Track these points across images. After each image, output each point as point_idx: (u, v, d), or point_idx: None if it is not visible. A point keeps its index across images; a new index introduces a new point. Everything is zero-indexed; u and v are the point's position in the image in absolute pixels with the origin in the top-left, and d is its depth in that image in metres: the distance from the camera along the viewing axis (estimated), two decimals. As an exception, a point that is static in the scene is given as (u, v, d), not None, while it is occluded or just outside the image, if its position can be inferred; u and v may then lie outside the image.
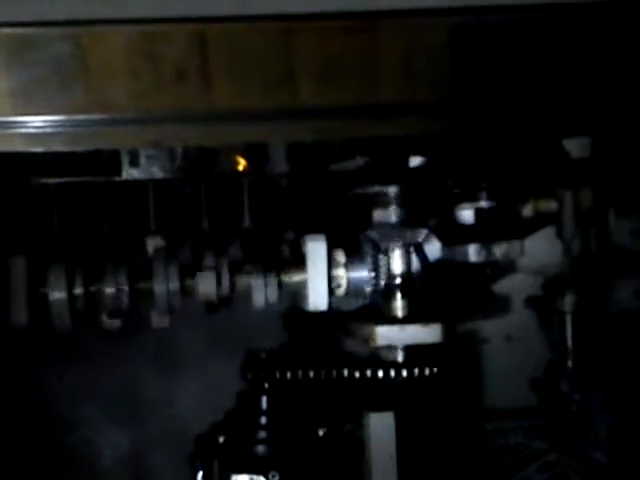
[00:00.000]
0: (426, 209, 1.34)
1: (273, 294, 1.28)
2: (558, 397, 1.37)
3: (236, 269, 1.28)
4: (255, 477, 1.22)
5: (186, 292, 1.27)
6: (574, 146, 1.29)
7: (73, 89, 1.05)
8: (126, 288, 1.26)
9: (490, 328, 1.49)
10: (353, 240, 1.32)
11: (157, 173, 1.24)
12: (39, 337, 1.31)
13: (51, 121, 1.06)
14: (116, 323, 1.27)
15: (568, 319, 1.37)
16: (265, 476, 1.23)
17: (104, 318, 1.28)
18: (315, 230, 1.29)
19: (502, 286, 1.47)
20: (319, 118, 1.07)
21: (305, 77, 1.05)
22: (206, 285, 1.26)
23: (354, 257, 1.31)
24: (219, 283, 1.26)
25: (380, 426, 1.26)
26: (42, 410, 1.48)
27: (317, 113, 1.07)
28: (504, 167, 1.29)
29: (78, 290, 1.26)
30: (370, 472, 1.27)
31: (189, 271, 1.27)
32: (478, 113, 1.10)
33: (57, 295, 1.25)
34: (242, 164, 1.29)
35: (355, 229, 1.33)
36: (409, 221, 1.33)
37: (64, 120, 1.06)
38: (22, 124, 1.05)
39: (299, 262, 1.30)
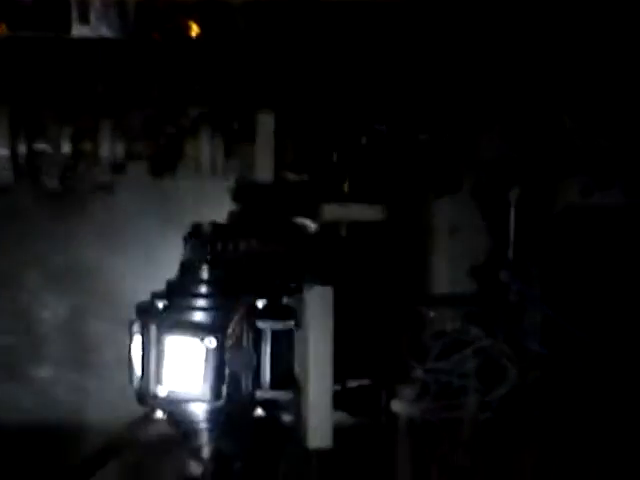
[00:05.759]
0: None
1: (220, 161, 1.29)
2: (497, 286, 1.38)
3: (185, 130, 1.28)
4: (190, 339, 1.21)
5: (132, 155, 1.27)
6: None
7: None
8: (69, 148, 1.26)
9: (435, 218, 1.49)
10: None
11: (107, 32, 1.21)
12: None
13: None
14: (55, 183, 1.27)
15: (512, 211, 1.38)
16: (201, 340, 1.22)
17: (45, 179, 1.27)
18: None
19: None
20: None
21: None
22: None
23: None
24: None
25: (319, 300, 1.26)
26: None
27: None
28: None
29: (21, 147, 1.25)
30: (307, 344, 1.27)
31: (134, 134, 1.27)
32: None
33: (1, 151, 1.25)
34: (194, 29, 1.27)
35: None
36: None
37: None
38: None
39: (248, 135, 1.30)
